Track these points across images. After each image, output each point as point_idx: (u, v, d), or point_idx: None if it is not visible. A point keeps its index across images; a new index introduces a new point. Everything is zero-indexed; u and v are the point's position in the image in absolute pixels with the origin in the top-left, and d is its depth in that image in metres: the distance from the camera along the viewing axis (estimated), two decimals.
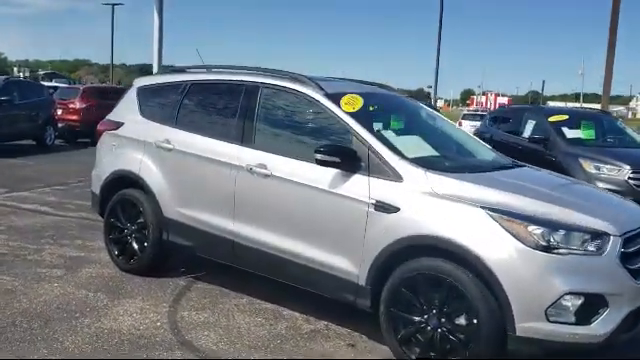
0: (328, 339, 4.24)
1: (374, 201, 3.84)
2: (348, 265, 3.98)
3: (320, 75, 4.90)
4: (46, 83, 20.87)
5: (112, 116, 5.73)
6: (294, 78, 4.59)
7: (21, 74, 44.14)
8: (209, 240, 4.79)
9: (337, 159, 3.93)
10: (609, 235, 3.46)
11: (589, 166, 8.80)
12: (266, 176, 4.38)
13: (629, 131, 10.63)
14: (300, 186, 4.19)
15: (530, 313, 3.37)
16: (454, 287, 3.54)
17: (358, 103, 4.35)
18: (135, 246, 5.29)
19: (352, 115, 4.20)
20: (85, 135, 17.01)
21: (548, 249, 3.39)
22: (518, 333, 3.39)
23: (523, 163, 4.81)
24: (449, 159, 4.43)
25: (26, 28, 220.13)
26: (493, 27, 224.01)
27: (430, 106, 9.06)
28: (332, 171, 4.04)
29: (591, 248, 3.43)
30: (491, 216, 3.50)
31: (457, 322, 3.56)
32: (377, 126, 4.29)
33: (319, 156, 3.96)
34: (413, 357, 3.68)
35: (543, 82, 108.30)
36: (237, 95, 4.80)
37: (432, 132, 4.75)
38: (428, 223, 3.65)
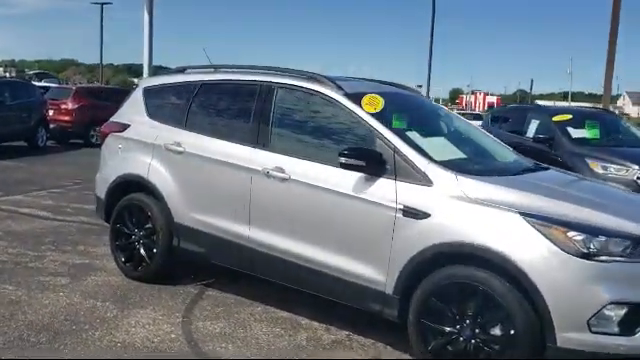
0: (351, 350, 4.07)
1: (402, 206, 3.67)
2: (374, 273, 3.80)
3: None
4: (36, 83, 20.47)
5: (117, 118, 5.52)
6: (311, 77, 4.41)
7: (7, 74, 43.55)
8: (223, 247, 4.60)
9: (362, 162, 3.76)
10: None
11: (596, 166, 8.69)
12: (284, 180, 4.19)
13: (634, 130, 10.53)
14: (321, 190, 4.01)
15: (571, 323, 3.22)
16: (489, 296, 3.38)
17: (379, 103, 4.18)
18: (143, 253, 5.08)
19: (374, 116, 4.03)
20: (77, 136, 16.76)
21: (589, 256, 3.23)
22: (559, 344, 3.23)
23: (546, 165, 4.67)
24: (476, 162, 4.27)
25: (12, 28, 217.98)
26: (481, 26, 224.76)
27: None
28: (356, 175, 3.86)
29: (633, 255, 3.28)
30: (528, 222, 3.34)
31: (492, 332, 3.40)
32: (400, 127, 4.11)
33: (343, 159, 3.78)
34: None
35: (532, 81, 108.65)
36: (251, 96, 4.61)
37: (455, 133, 4.59)
38: (461, 229, 3.48)
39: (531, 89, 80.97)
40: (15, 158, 13.11)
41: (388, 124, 3.98)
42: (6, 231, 6.65)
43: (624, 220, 3.43)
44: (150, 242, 5.05)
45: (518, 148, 9.49)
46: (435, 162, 3.75)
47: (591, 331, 3.21)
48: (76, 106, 16.52)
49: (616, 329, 3.21)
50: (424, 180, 3.68)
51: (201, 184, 4.71)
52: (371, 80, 5.10)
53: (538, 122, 10.22)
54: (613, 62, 13.04)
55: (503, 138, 10.37)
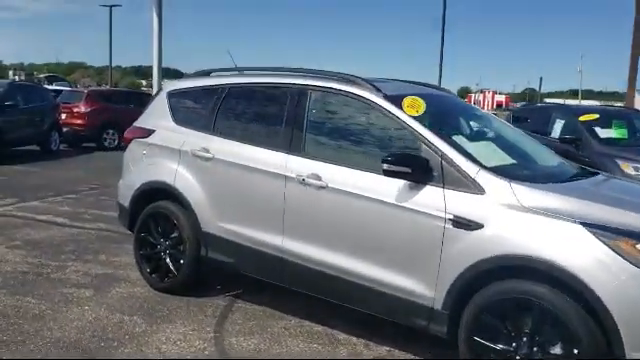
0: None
1: (451, 216, 3.45)
2: (421, 287, 3.58)
3: None
4: (47, 87, 20.35)
5: (141, 123, 5.32)
6: (347, 79, 4.19)
7: (17, 77, 43.52)
8: (254, 257, 4.39)
9: (408, 169, 3.54)
10: None
11: (627, 167, 8.42)
12: (320, 187, 3.98)
13: None
14: (361, 199, 3.79)
15: None
16: (549, 313, 3.15)
17: (421, 106, 3.95)
18: (169, 263, 4.88)
19: (417, 119, 3.81)
20: (90, 139, 16.63)
21: None
22: None
23: (594, 170, 4.43)
24: (525, 167, 4.03)
25: (20, 32, 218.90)
26: (489, 25, 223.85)
27: None
28: (399, 182, 3.64)
29: None
30: (592, 233, 3.10)
31: (552, 352, 3.17)
32: (445, 131, 3.88)
33: (387, 166, 3.56)
34: None
35: (540, 79, 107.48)
36: (283, 99, 4.40)
37: (498, 136, 4.35)
38: (518, 241, 3.25)
39: (540, 87, 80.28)
40: (28, 163, 12.96)
41: (433, 128, 3.76)
42: (25, 240, 6.48)
43: None
44: (177, 252, 4.85)
45: None
46: (486, 168, 3.52)
47: None
48: (89, 109, 16.38)
49: None
50: (475, 188, 3.45)
51: (231, 192, 4.50)
52: (403, 81, 4.88)
53: (563, 122, 9.96)
54: (637, 58, 12.69)
55: None
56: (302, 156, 4.15)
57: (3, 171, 11.46)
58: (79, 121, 16.23)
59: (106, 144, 16.79)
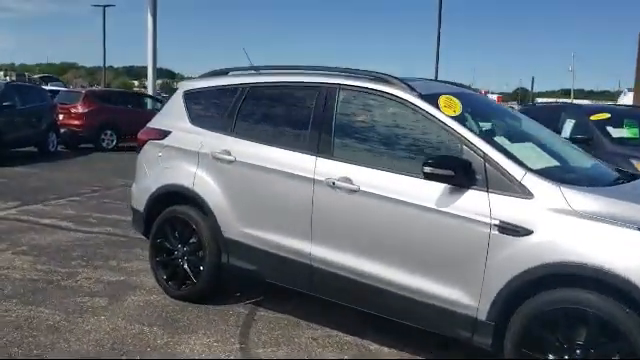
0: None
1: (497, 222, 3.27)
2: (463, 297, 3.40)
3: None
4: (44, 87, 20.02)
5: (155, 124, 5.11)
6: (379, 78, 4.00)
7: (8, 78, 43.02)
8: (280, 264, 4.20)
9: (450, 172, 3.35)
10: None
11: None
12: (352, 191, 3.79)
13: None
14: (398, 203, 3.60)
15: None
16: (605, 323, 2.97)
17: (457, 106, 3.78)
18: (188, 270, 4.68)
19: (456, 119, 3.63)
20: (88, 140, 16.38)
21: None
22: None
23: (632, 172, 4.26)
24: (569, 170, 3.85)
25: (11, 32, 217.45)
26: (482, 25, 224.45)
27: None
28: (440, 186, 3.46)
29: None
30: None
31: None
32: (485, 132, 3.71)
33: (428, 169, 3.37)
34: None
35: (532, 79, 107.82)
36: (309, 99, 4.21)
37: (536, 137, 4.16)
38: (571, 248, 3.07)
39: (532, 87, 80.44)
40: (27, 164, 12.71)
41: (473, 128, 3.58)
42: (31, 245, 6.25)
43: None
44: (195, 258, 4.65)
45: None
46: (532, 171, 3.34)
47: None
48: (86, 110, 16.13)
49: None
50: (522, 192, 3.27)
51: (254, 196, 4.30)
52: (430, 80, 4.69)
53: (574, 122, 9.79)
54: None
55: None
56: (331, 158, 3.96)
57: (2, 173, 11.21)
58: (77, 122, 15.97)
59: (104, 145, 16.54)
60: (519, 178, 3.30)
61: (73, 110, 16.01)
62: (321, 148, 4.02)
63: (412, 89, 3.83)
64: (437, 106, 3.71)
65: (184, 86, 5.06)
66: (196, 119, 4.79)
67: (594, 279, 3.00)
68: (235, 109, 4.56)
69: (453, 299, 3.43)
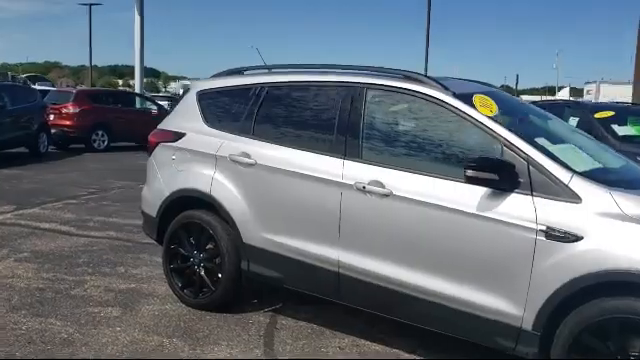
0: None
1: (544, 227, 3.12)
2: (507, 306, 3.24)
3: None
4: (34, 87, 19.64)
5: (167, 125, 4.90)
6: (409, 77, 3.84)
7: None
8: (305, 271, 4.02)
9: (495, 176, 3.20)
10: None
11: None
12: (384, 196, 3.62)
13: None
14: (434, 208, 3.44)
15: None
16: None
17: (493, 105, 3.64)
18: (205, 277, 4.49)
19: (494, 120, 3.48)
20: (80, 141, 16.07)
21: None
22: None
23: None
24: (612, 172, 3.70)
25: None
26: (466, 22, 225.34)
27: None
28: (480, 190, 3.30)
29: None
30: None
31: None
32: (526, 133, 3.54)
33: (471, 172, 3.22)
34: None
35: (517, 76, 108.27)
36: (334, 98, 4.04)
37: (574, 138, 4.02)
38: (625, 255, 2.92)
39: (517, 84, 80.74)
40: (18, 166, 12.41)
41: (514, 129, 3.43)
42: (33, 250, 6.02)
43: None
44: (213, 265, 4.46)
45: None
46: (579, 174, 3.19)
47: None
48: (78, 110, 15.82)
49: None
50: (569, 196, 3.12)
51: (277, 200, 4.12)
52: (457, 78, 4.53)
53: (578, 119, 9.71)
54: None
55: None
56: (360, 161, 3.79)
57: None
58: (68, 122, 15.66)
59: (95, 145, 16.24)
60: (566, 181, 3.15)
61: (64, 110, 15.70)
62: (349, 150, 3.85)
63: (446, 88, 3.68)
64: (473, 106, 3.56)
65: (197, 86, 4.86)
66: (211, 120, 4.60)
67: None
68: (254, 110, 4.38)
69: (495, 308, 3.28)
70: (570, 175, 3.17)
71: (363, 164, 3.77)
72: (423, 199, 3.48)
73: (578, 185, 3.13)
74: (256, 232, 4.21)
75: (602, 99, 42.43)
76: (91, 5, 39.63)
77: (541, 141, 3.48)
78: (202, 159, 4.48)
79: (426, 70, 33.83)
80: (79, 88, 20.83)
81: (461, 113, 3.54)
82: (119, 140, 16.95)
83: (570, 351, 3.06)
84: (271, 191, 4.14)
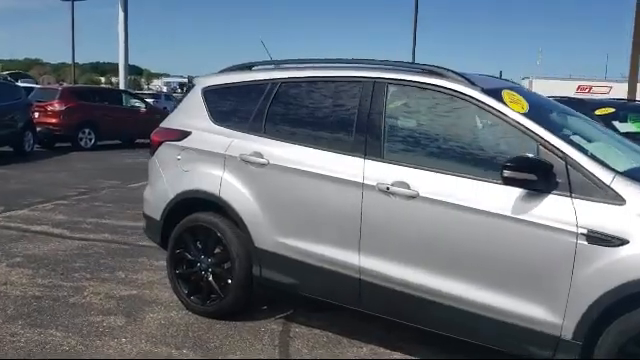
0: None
1: (585, 231, 2.94)
2: (544, 313, 3.06)
3: None
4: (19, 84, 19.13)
5: (171, 123, 4.66)
6: (434, 71, 3.64)
7: None
8: (322, 277, 3.81)
9: (533, 176, 3.01)
10: None
11: None
12: (410, 197, 3.42)
13: None
14: (466, 211, 3.24)
15: None
16: None
17: (523, 102, 3.45)
18: (213, 284, 4.26)
19: (528, 117, 3.29)
20: (66, 139, 15.70)
21: None
22: None
23: None
24: None
25: None
26: (449, 18, 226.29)
27: None
28: (516, 191, 3.12)
29: None
30: None
31: None
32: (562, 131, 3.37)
33: (508, 173, 3.03)
34: None
35: (500, 73, 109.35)
36: (352, 95, 3.83)
37: (607, 135, 3.85)
38: None
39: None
40: (3, 165, 12.04)
41: (549, 126, 3.25)
42: (25, 255, 5.74)
43: None
44: (221, 271, 4.23)
45: None
46: (621, 174, 3.02)
47: None
48: (64, 107, 15.44)
49: None
50: (611, 197, 2.95)
51: (292, 202, 3.91)
52: (478, 74, 4.33)
53: None
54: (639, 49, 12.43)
55: None
56: (382, 161, 3.58)
57: None
58: (54, 120, 15.28)
59: (82, 144, 15.87)
60: (607, 182, 2.97)
61: (50, 108, 15.31)
62: (369, 149, 3.64)
63: (472, 83, 3.49)
64: (504, 102, 3.37)
65: (202, 82, 4.62)
66: (219, 118, 4.37)
67: None
68: (265, 107, 4.15)
69: (531, 316, 3.10)
70: (612, 175, 2.99)
71: (386, 164, 3.57)
72: (453, 201, 3.29)
73: (621, 186, 2.95)
74: (269, 236, 3.99)
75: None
76: (74, 1, 38.83)
77: (576, 139, 3.30)
78: (210, 159, 4.24)
79: None
80: (65, 85, 20.30)
81: (492, 110, 3.35)
82: (106, 138, 16.61)
83: None
84: (285, 192, 3.93)
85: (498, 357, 3.34)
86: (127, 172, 11.88)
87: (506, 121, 3.30)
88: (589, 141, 3.43)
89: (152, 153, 4.68)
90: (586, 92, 41.37)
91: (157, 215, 4.54)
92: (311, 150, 3.86)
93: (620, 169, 3.08)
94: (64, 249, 6.01)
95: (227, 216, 4.16)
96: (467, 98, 3.43)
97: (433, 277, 3.37)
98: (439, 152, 3.49)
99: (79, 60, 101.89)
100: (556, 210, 3.02)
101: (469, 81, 3.50)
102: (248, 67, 4.54)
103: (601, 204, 2.95)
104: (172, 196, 4.41)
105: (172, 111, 5.02)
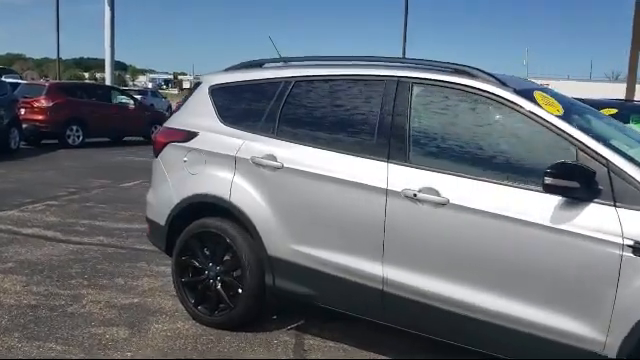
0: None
1: (631, 242, 2.76)
2: (584, 329, 2.88)
3: None
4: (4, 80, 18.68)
5: (176, 123, 4.42)
6: (462, 71, 3.44)
7: None
8: (342, 288, 3.60)
9: (576, 184, 2.83)
10: None
11: None
12: (440, 205, 3.22)
13: None
14: (503, 220, 3.04)
15: None
16: None
17: (557, 104, 3.27)
18: (222, 293, 4.03)
19: (565, 120, 3.11)
20: (53, 136, 15.32)
21: None
22: None
23: None
24: None
25: None
26: (434, 20, 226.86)
27: None
28: (554, 200, 2.93)
29: None
30: None
31: None
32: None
33: (550, 180, 2.84)
34: None
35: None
36: (374, 94, 3.62)
37: (629, 136, 3.68)
38: None
39: None
40: None
41: (588, 131, 3.07)
42: (18, 260, 5.46)
43: None
44: (231, 279, 4.01)
45: None
46: None
47: None
48: (51, 104, 15.06)
49: None
50: None
51: (308, 208, 3.69)
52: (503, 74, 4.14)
53: None
54: (638, 49, 12.36)
55: None
56: (408, 165, 3.38)
57: None
58: (40, 117, 14.90)
59: (70, 141, 15.52)
60: None
61: (36, 104, 14.92)
62: (393, 153, 3.44)
63: (504, 83, 3.30)
64: (538, 104, 3.18)
65: (209, 80, 4.38)
66: (228, 118, 4.14)
67: None
68: (278, 107, 3.93)
69: (570, 331, 2.92)
70: None
71: (412, 168, 3.36)
72: (486, 209, 3.09)
73: None
74: (283, 243, 3.77)
75: None
76: None
77: (616, 144, 3.13)
78: (219, 161, 4.02)
79: None
80: (52, 81, 19.85)
81: (526, 112, 3.16)
82: (95, 136, 16.26)
83: None
84: (301, 197, 3.71)
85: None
86: (117, 170, 11.59)
87: (542, 124, 3.11)
88: (629, 147, 3.25)
89: (156, 154, 4.43)
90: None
91: (162, 220, 4.30)
92: (328, 153, 3.65)
93: None
94: (58, 254, 5.74)
95: (237, 222, 3.94)
96: (498, 99, 3.24)
97: (465, 290, 3.17)
98: (469, 157, 3.28)
99: (63, 55, 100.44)
100: (599, 220, 2.84)
101: (500, 81, 3.31)
102: (258, 64, 4.31)
103: None
104: (178, 200, 4.17)
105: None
